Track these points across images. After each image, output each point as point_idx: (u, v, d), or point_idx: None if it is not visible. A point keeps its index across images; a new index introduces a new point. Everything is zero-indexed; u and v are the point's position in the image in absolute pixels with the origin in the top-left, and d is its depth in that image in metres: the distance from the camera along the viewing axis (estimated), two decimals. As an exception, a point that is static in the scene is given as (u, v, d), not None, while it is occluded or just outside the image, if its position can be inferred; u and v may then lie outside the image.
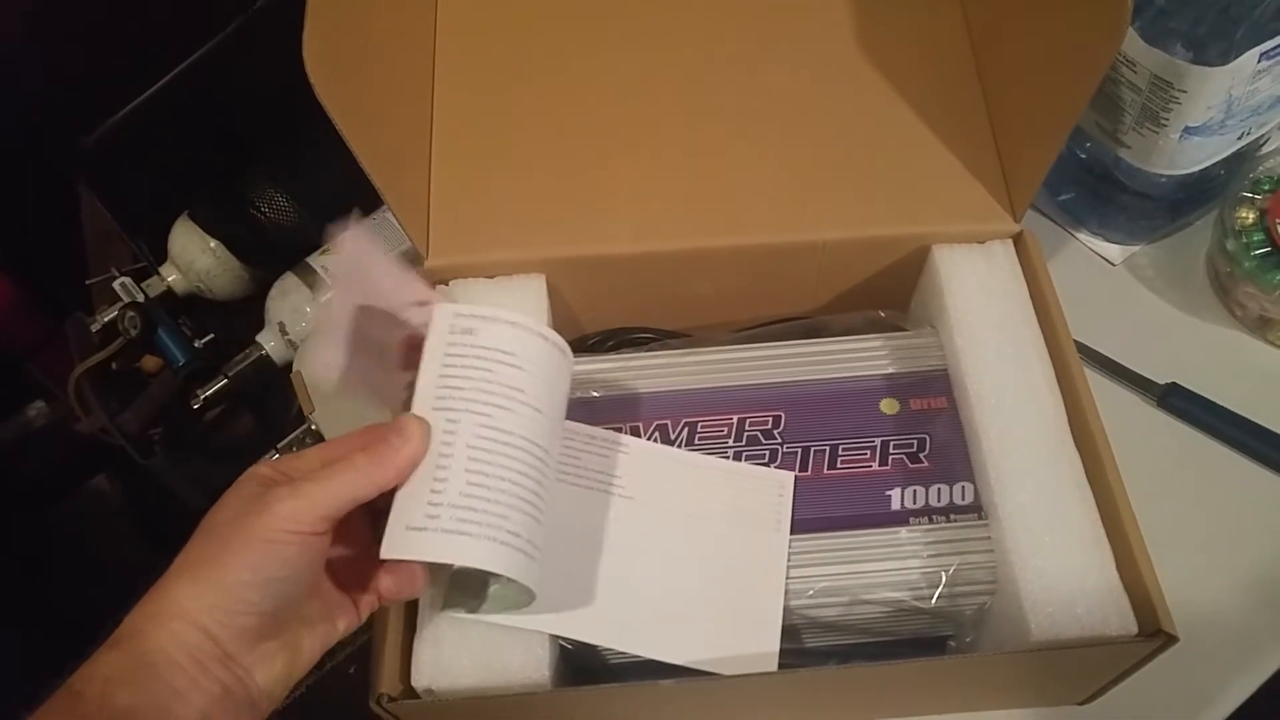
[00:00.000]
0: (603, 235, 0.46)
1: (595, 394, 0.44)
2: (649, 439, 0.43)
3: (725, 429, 0.43)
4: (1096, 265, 0.57)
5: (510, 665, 0.37)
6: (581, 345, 0.51)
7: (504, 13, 0.51)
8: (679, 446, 0.43)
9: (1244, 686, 0.44)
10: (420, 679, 0.36)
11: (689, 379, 0.45)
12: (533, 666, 0.37)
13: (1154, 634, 0.35)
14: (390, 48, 0.46)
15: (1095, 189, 0.56)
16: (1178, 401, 0.51)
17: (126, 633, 0.29)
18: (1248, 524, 0.48)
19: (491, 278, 0.46)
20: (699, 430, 0.43)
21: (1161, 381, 0.52)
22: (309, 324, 0.73)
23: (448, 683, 0.37)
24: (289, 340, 0.74)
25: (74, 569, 0.90)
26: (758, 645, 0.38)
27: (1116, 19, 0.36)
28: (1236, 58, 0.45)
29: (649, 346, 0.48)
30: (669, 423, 0.44)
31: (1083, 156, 0.56)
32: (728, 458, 0.43)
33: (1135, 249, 0.58)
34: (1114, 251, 0.57)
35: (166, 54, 0.72)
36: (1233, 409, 0.50)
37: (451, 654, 0.37)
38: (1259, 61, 0.46)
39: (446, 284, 0.46)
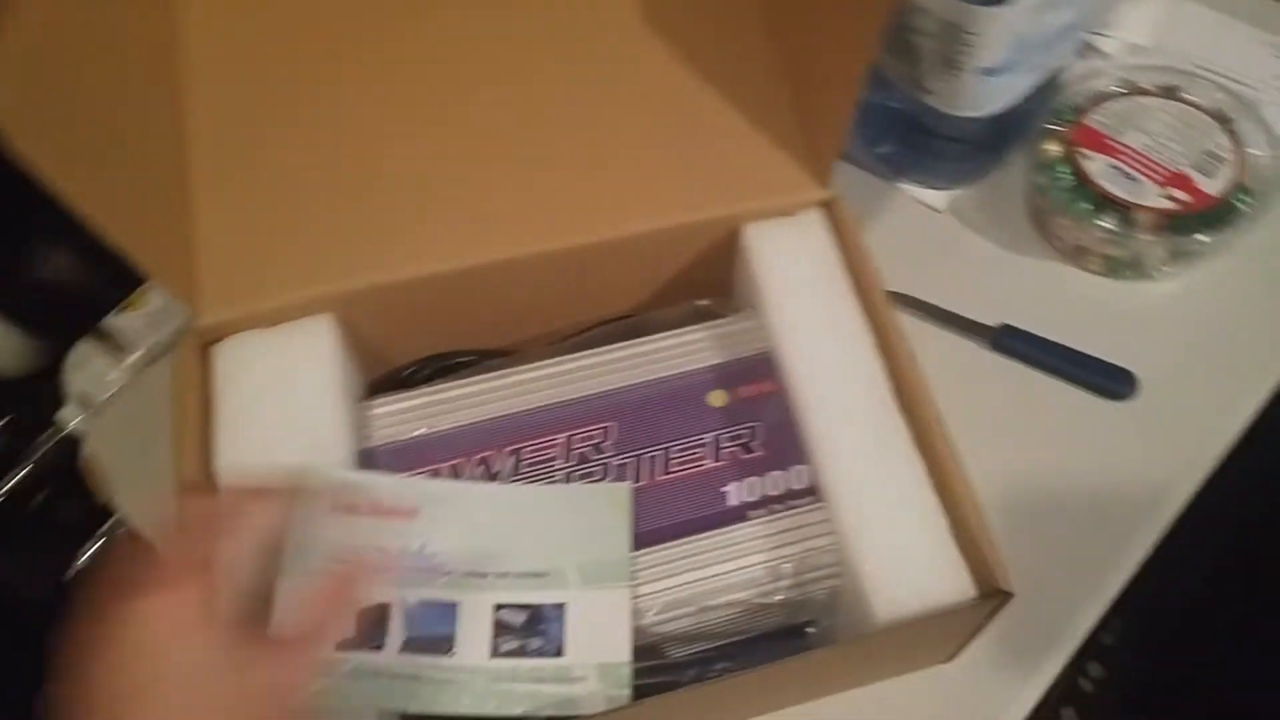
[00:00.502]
0: (394, 261, 0.42)
1: (406, 438, 0.41)
2: (473, 473, 0.40)
3: (553, 450, 0.41)
4: (922, 214, 0.57)
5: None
6: (393, 380, 0.47)
7: (257, 41, 0.46)
8: (505, 478, 0.40)
9: (1089, 614, 0.45)
10: None
11: (509, 403, 0.42)
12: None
13: (991, 594, 0.35)
14: (119, 84, 0.40)
15: (911, 138, 0.56)
16: (1010, 342, 0.51)
17: None
18: (1078, 450, 0.49)
19: (273, 326, 0.41)
20: (524, 457, 0.40)
21: (994, 324, 0.52)
22: (113, 392, 0.66)
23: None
24: (94, 412, 0.67)
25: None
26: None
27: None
28: (1014, -5, 0.45)
29: (468, 370, 0.45)
30: (492, 454, 0.40)
31: (895, 107, 0.55)
32: (560, 480, 0.40)
33: (958, 193, 0.58)
34: (938, 198, 0.57)
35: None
36: (1061, 340, 0.51)
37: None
38: (1037, -4, 0.46)
39: (224, 340, 0.41)
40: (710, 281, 0.47)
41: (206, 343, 0.41)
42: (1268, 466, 0.56)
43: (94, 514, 0.65)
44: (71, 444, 0.67)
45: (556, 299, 0.46)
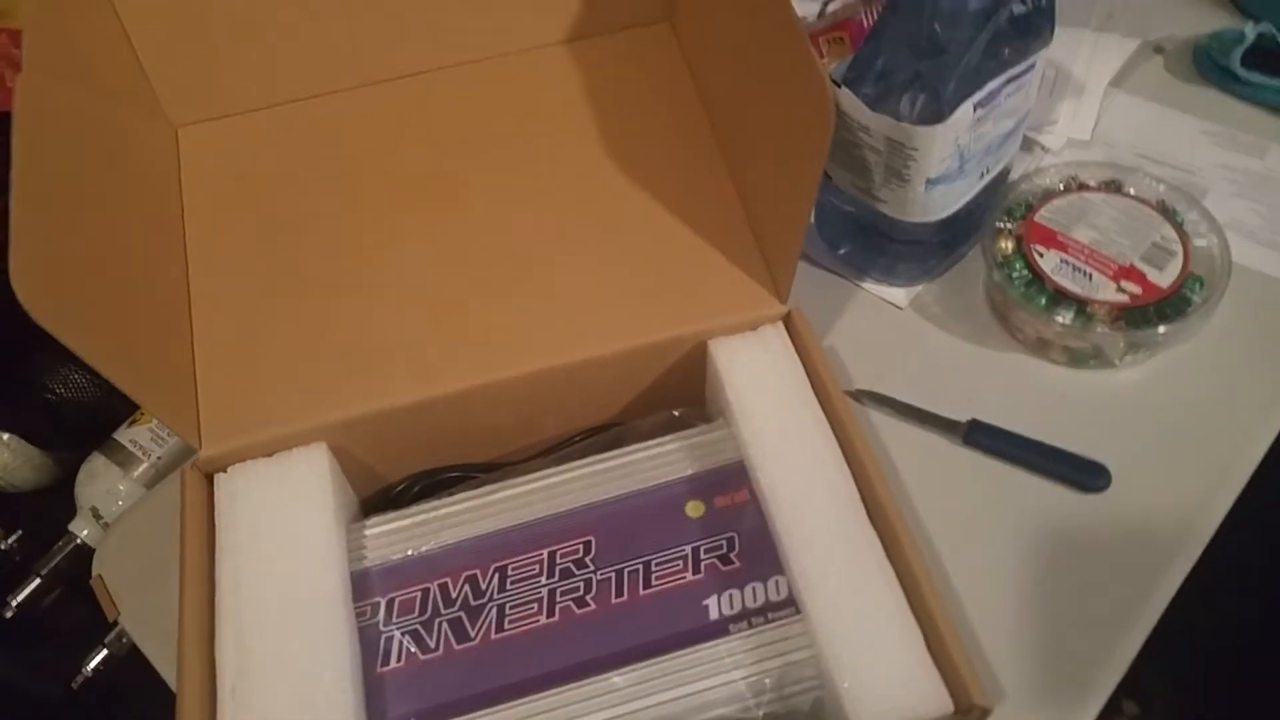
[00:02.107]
0: (381, 390, 0.45)
1: (396, 558, 0.43)
2: (460, 591, 0.42)
3: (537, 566, 0.43)
4: (885, 311, 0.59)
5: None
6: (385, 495, 0.49)
7: (251, 182, 0.50)
8: (490, 595, 0.42)
9: (1084, 714, 0.45)
10: None
11: (493, 520, 0.44)
12: None
13: (967, 709, 0.36)
14: (127, 237, 0.44)
15: (868, 241, 0.59)
16: (979, 437, 0.53)
17: None
18: (1056, 545, 0.50)
19: (270, 455, 0.44)
20: (510, 573, 0.42)
21: (963, 419, 0.54)
22: (124, 503, 0.68)
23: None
24: (104, 524, 0.69)
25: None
26: None
27: (822, 119, 0.38)
28: (952, 113, 0.48)
29: (456, 486, 0.47)
30: (478, 572, 0.43)
31: (851, 210, 0.58)
32: (541, 597, 0.42)
33: (919, 289, 0.60)
34: (899, 295, 0.60)
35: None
36: (1030, 433, 0.53)
37: None
38: (975, 111, 0.49)
39: (225, 470, 0.43)
40: (684, 391, 0.49)
41: (209, 472, 0.43)
42: (1257, 546, 0.57)
43: (101, 619, 0.67)
44: (82, 554, 0.69)
45: (539, 414, 0.48)
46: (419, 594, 0.42)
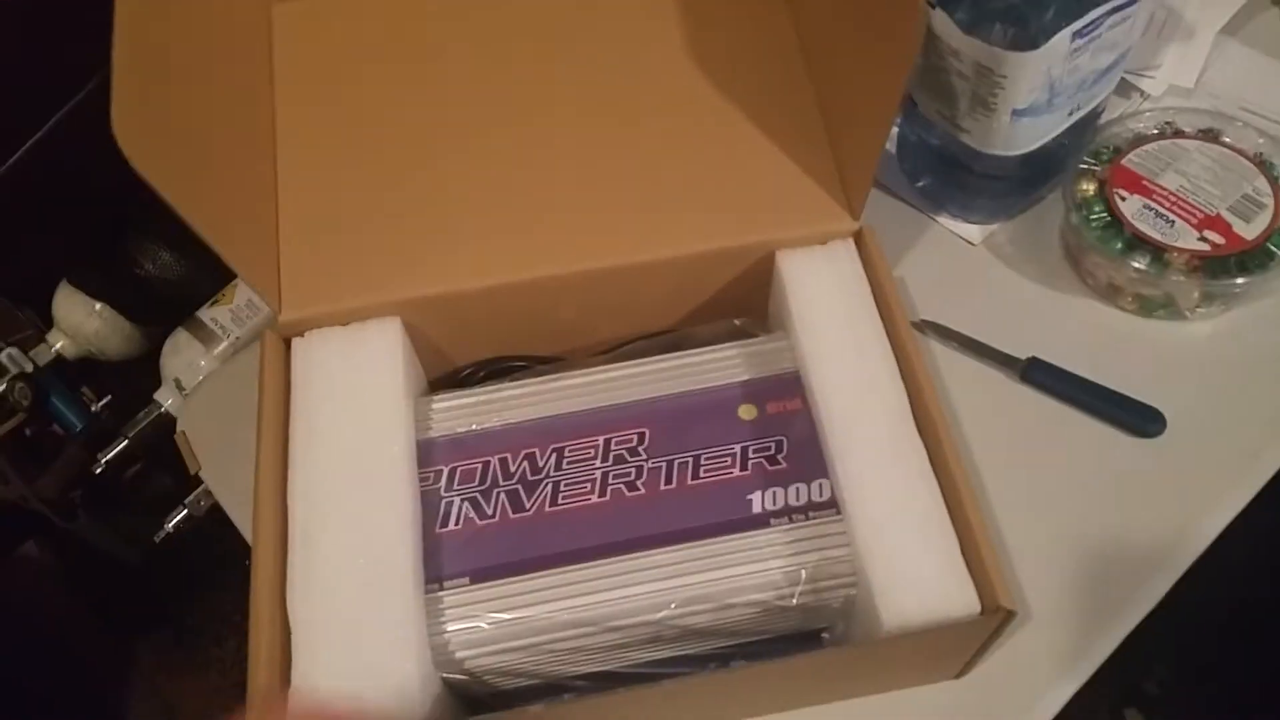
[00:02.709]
0: (451, 273, 0.46)
1: (460, 431, 0.45)
2: (518, 466, 0.44)
3: (592, 451, 0.44)
4: (958, 247, 0.59)
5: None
6: (453, 378, 0.51)
7: (340, 61, 0.51)
8: (547, 473, 0.44)
9: (1105, 644, 0.46)
10: None
11: (554, 405, 0.45)
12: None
13: (994, 611, 0.37)
14: (219, 103, 0.46)
15: (948, 174, 0.58)
16: (1038, 375, 0.53)
17: None
18: (1103, 484, 0.50)
19: (345, 325, 0.46)
20: (566, 455, 0.44)
21: (1022, 357, 0.54)
22: (203, 377, 0.72)
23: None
24: (186, 395, 0.74)
25: (6, 634, 0.89)
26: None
27: (910, 30, 0.38)
28: (1049, 40, 0.47)
29: (519, 374, 0.49)
30: (536, 451, 0.44)
31: (934, 143, 0.57)
32: (595, 478, 0.43)
33: (994, 227, 0.59)
34: (973, 232, 0.59)
35: (30, 115, 0.71)
36: (1089, 376, 0.52)
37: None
38: (1072, 40, 0.48)
39: (303, 335, 0.46)
40: (747, 301, 0.50)
41: (286, 336, 0.46)
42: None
43: (181, 486, 0.71)
44: (165, 422, 0.74)
45: (602, 313, 0.49)
46: (479, 466, 0.44)
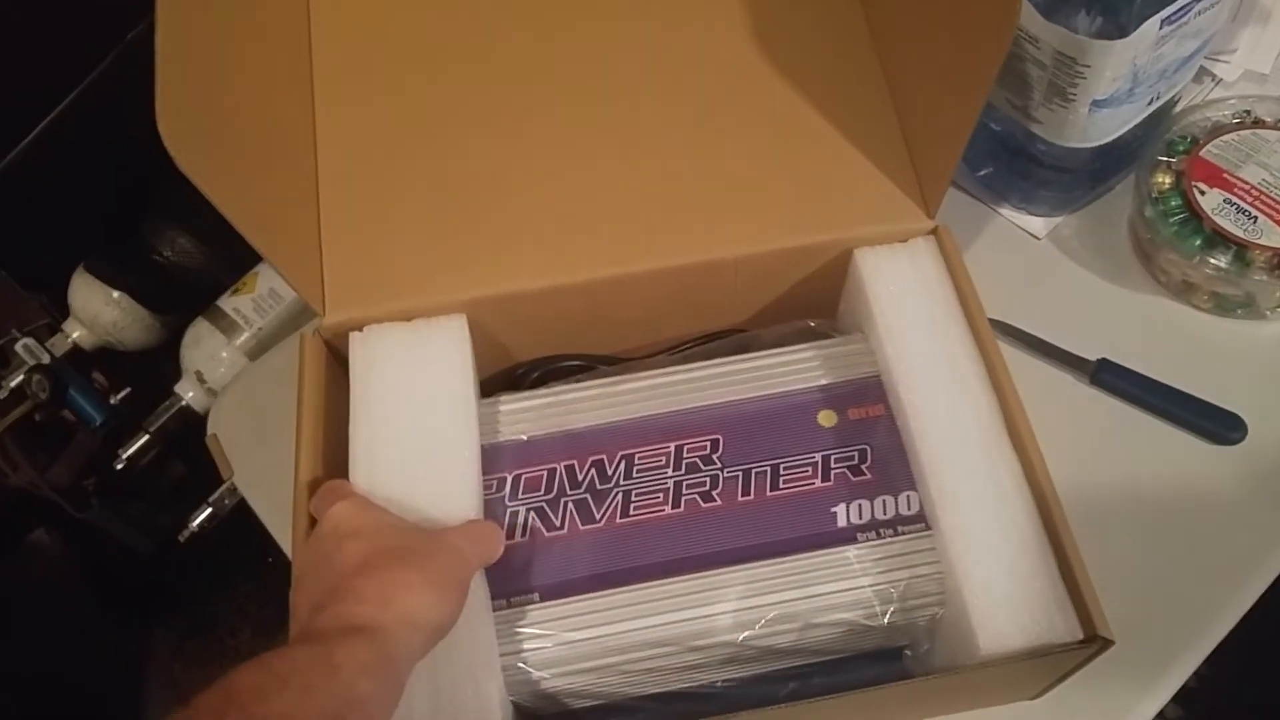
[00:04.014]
0: (510, 272, 0.44)
1: (524, 436, 0.43)
2: (586, 474, 0.42)
3: (663, 458, 0.42)
4: (1021, 240, 0.57)
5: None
6: (509, 376, 0.49)
7: (383, 55, 0.48)
8: (617, 481, 0.42)
9: (1187, 662, 0.45)
10: None
11: (621, 409, 0.43)
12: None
13: (1092, 639, 0.35)
14: (259, 100, 0.43)
15: (1013, 164, 0.56)
16: (1108, 378, 0.51)
17: (371, 624, 0.32)
18: (1179, 494, 0.48)
19: (409, 320, 0.43)
20: (636, 462, 0.42)
21: (1092, 357, 0.52)
22: (226, 370, 0.70)
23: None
24: (208, 388, 0.71)
25: (20, 624, 0.88)
26: None
27: (1007, 10, 0.35)
28: (1137, 28, 0.44)
29: (579, 376, 0.46)
30: (605, 458, 0.42)
31: (998, 130, 0.55)
32: (668, 488, 0.41)
33: (1059, 220, 0.57)
34: (1037, 224, 0.57)
35: (41, 99, 0.68)
36: (1162, 379, 0.51)
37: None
38: (1160, 29, 0.45)
39: (360, 330, 0.43)
40: (814, 303, 0.48)
41: (330, 338, 0.43)
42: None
43: (198, 476, 0.69)
44: (186, 416, 0.72)
45: (666, 313, 0.47)
46: (545, 473, 0.42)
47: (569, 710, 0.41)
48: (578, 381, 0.45)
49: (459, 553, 0.36)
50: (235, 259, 0.73)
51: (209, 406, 0.68)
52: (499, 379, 0.49)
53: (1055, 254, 0.56)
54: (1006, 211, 0.58)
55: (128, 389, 0.74)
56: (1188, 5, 0.46)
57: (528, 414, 0.43)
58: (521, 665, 0.38)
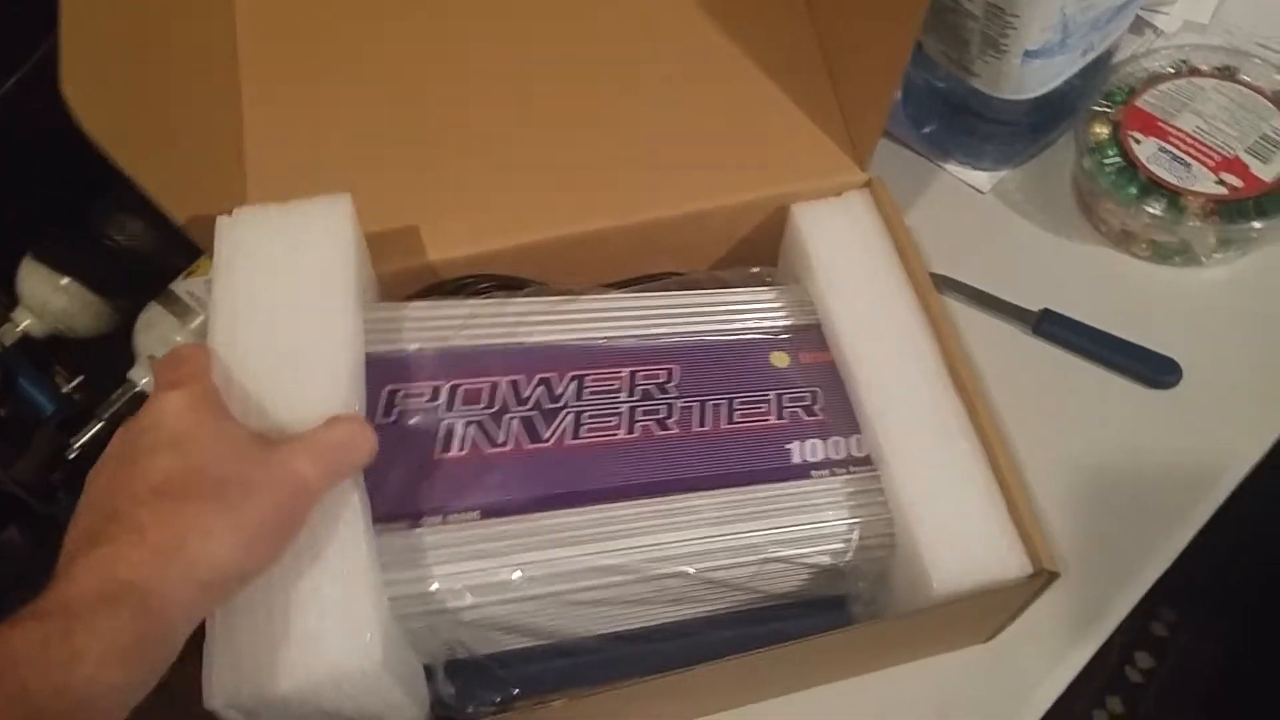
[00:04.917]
0: (443, 241, 0.43)
1: (462, 343, 0.40)
2: (533, 391, 0.39)
3: (616, 383, 0.40)
4: (967, 195, 0.57)
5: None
6: (443, 289, 0.44)
7: (309, 25, 0.48)
8: (566, 402, 0.39)
9: (1124, 602, 0.45)
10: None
11: (573, 330, 0.41)
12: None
13: (1040, 573, 0.36)
14: (178, 60, 0.42)
15: (955, 120, 0.56)
16: (1051, 327, 0.52)
17: (143, 585, 0.25)
18: (1118, 438, 0.49)
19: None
20: (587, 384, 0.40)
21: (1035, 308, 0.52)
22: (181, 353, 0.69)
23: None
24: (163, 373, 0.70)
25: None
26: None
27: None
28: (1065, -23, 0.45)
29: (529, 292, 0.43)
30: (554, 376, 0.40)
31: (940, 87, 0.55)
32: (621, 412, 0.40)
33: (1003, 174, 0.58)
34: (982, 179, 0.58)
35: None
36: (1103, 327, 0.51)
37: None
38: (1090, -23, 0.46)
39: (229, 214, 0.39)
40: (756, 259, 0.48)
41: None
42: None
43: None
44: (140, 399, 0.71)
45: (610, 274, 0.47)
46: (487, 386, 0.39)
47: (499, 652, 0.39)
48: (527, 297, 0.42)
49: (294, 483, 0.30)
50: (187, 242, 0.72)
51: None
52: (435, 291, 0.45)
53: (1000, 208, 0.57)
54: (952, 167, 0.58)
55: (81, 377, 0.73)
56: (1114, -48, 0.46)
57: (462, 321, 0.40)
58: (455, 588, 0.34)
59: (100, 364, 0.75)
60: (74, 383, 0.74)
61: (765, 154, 0.45)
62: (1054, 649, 0.44)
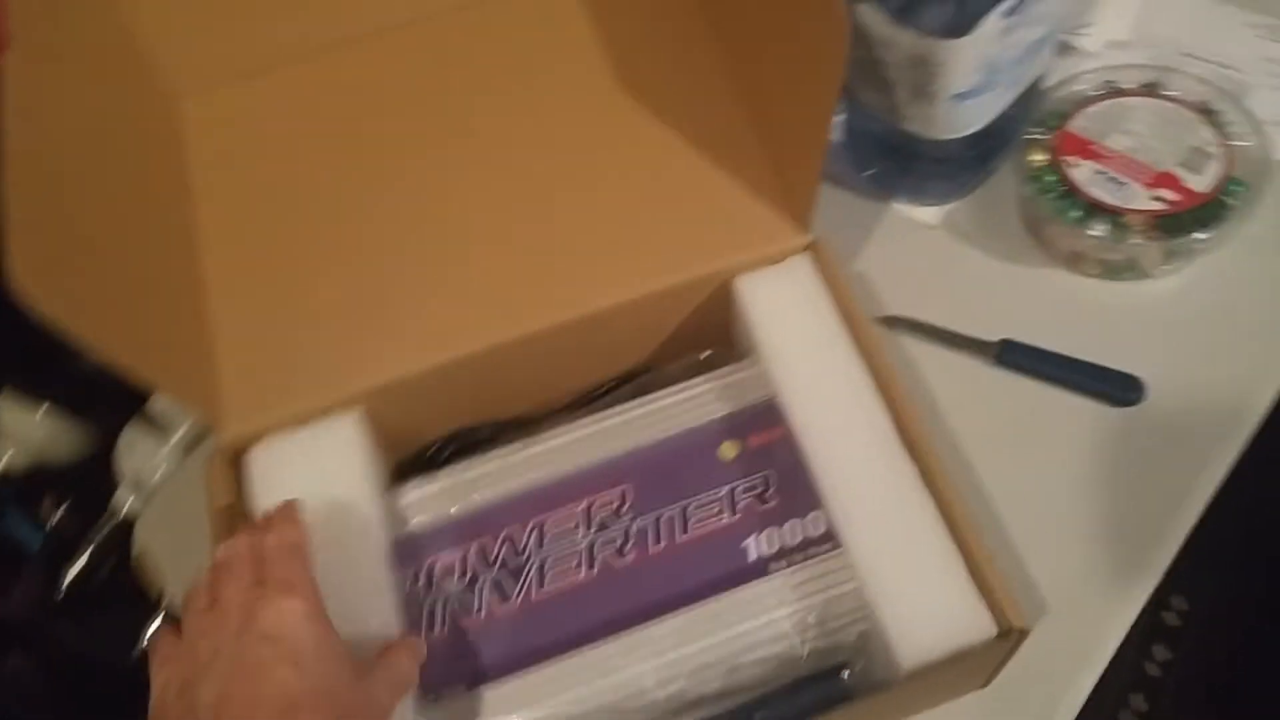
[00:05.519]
0: (407, 354, 0.44)
1: (436, 519, 0.43)
2: (499, 551, 0.42)
3: (574, 521, 0.43)
4: (917, 231, 0.58)
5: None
6: (419, 460, 0.49)
7: (260, 158, 0.49)
8: (530, 554, 0.42)
9: (1118, 625, 0.45)
10: None
11: (528, 476, 0.44)
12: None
13: (1007, 633, 0.36)
14: (130, 228, 0.43)
15: (896, 160, 0.57)
16: (1012, 357, 0.52)
17: None
18: (1090, 460, 0.49)
19: (304, 425, 0.44)
20: (548, 531, 0.43)
21: (995, 339, 0.53)
22: (164, 472, 0.69)
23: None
24: (149, 493, 0.71)
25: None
26: None
27: (836, 32, 0.36)
28: (979, 24, 0.45)
29: (489, 446, 0.46)
30: (516, 529, 0.43)
31: (877, 130, 0.56)
32: (580, 551, 0.42)
33: (951, 207, 0.58)
34: (931, 214, 0.58)
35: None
36: (1063, 350, 0.51)
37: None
38: (1003, 19, 0.46)
39: (254, 447, 0.43)
40: (712, 332, 0.48)
41: (238, 451, 0.43)
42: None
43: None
44: (129, 524, 0.71)
45: (567, 366, 0.48)
46: (459, 557, 0.42)
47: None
48: (485, 453, 0.45)
49: (376, 708, 0.34)
50: (157, 357, 0.73)
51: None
52: (413, 461, 0.49)
53: (951, 241, 0.57)
54: (899, 205, 0.59)
55: (65, 504, 0.74)
56: (1025, -6, 0.47)
57: (433, 500, 0.44)
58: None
59: (84, 488, 0.75)
60: (59, 513, 0.74)
61: (704, 230, 0.46)
62: (1053, 682, 0.44)
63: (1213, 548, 0.52)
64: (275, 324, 0.45)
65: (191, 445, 0.69)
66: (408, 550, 0.42)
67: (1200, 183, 0.51)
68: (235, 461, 0.43)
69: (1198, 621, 0.86)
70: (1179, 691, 0.85)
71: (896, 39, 0.47)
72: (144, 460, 0.69)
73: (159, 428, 0.69)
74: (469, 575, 0.42)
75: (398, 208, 0.47)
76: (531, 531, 0.42)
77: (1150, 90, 0.54)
